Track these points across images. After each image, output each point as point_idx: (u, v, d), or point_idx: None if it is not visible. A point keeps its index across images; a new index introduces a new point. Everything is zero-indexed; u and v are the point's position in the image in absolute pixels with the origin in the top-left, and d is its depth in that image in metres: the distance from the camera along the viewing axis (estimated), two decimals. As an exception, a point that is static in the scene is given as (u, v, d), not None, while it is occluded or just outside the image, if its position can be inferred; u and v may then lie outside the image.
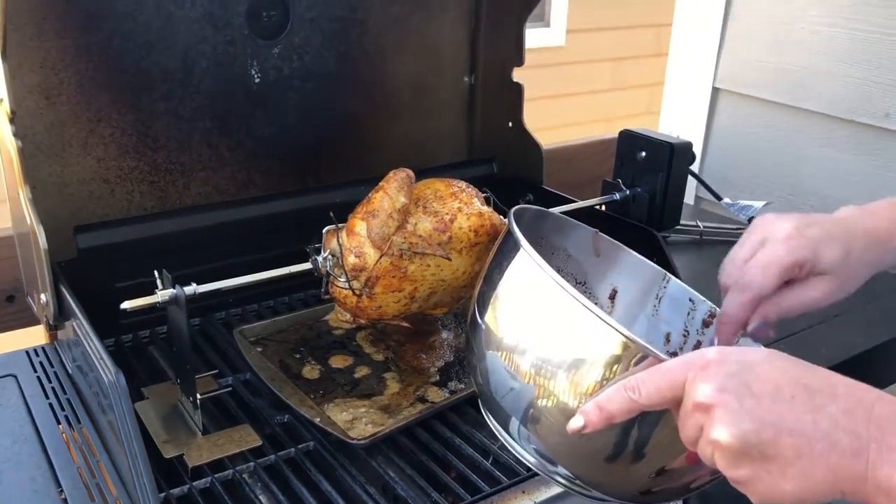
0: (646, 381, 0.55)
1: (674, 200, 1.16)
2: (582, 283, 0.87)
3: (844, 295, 0.72)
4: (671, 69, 1.83)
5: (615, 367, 0.58)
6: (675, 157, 1.13)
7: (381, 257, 0.88)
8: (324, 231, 0.92)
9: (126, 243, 1.06)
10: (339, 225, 0.92)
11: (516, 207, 0.78)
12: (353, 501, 0.79)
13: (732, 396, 0.50)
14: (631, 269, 0.88)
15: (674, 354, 0.77)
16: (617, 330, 0.58)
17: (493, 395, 0.68)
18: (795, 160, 1.62)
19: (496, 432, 0.71)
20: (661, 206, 1.15)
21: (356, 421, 0.89)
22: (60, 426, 0.87)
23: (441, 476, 0.83)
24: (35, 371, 0.97)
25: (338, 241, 0.90)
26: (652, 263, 0.87)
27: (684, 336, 0.84)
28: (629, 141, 1.18)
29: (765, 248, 0.73)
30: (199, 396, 0.86)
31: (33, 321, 1.22)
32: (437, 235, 0.91)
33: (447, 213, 0.92)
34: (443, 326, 1.08)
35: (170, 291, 0.83)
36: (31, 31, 0.99)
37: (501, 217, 0.94)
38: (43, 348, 1.01)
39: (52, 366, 0.98)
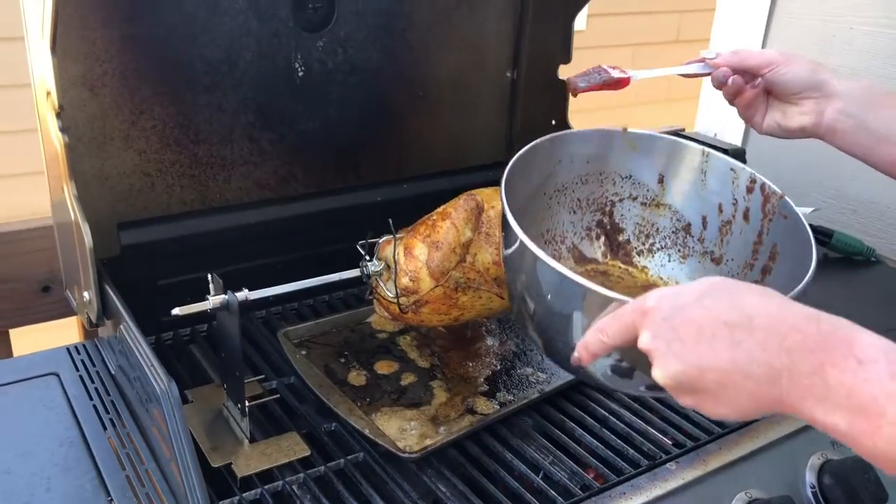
0: (609, 324, 0.63)
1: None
2: (628, 177, 0.94)
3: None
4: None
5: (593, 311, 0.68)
6: (728, 164, 1.10)
7: (435, 287, 0.87)
8: (380, 240, 0.90)
9: (168, 240, 1.05)
10: (398, 236, 0.89)
11: (517, 155, 0.84)
12: (405, 518, 0.78)
13: (663, 342, 0.58)
14: (671, 152, 0.93)
15: (728, 222, 0.90)
16: (580, 283, 0.68)
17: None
18: (837, 163, 1.59)
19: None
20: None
21: (405, 432, 0.88)
22: (107, 431, 0.85)
23: (493, 492, 0.81)
24: (77, 370, 0.95)
25: (394, 255, 0.88)
26: (688, 142, 0.92)
27: (734, 204, 0.90)
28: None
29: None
30: (247, 404, 0.85)
31: (68, 312, 1.21)
32: (495, 269, 0.92)
33: None
34: (487, 332, 1.07)
35: (221, 297, 0.82)
36: (76, 21, 0.97)
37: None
38: (84, 346, 1.00)
39: (93, 364, 0.96)
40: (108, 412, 0.89)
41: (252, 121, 1.14)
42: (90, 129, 1.02)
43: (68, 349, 0.99)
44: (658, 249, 0.97)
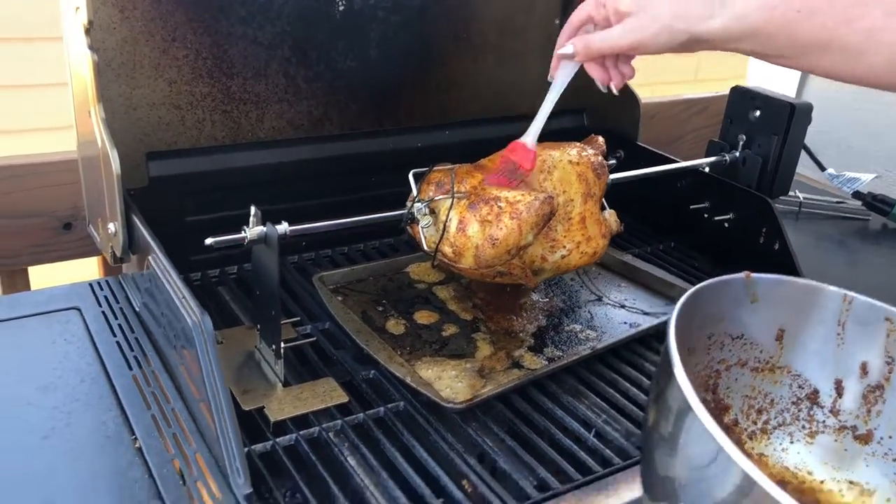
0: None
1: (788, 166, 1.06)
2: (739, 337, 0.71)
3: (645, 38, 0.74)
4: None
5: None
6: (795, 118, 1.03)
7: (474, 270, 0.83)
8: (436, 199, 0.84)
9: (198, 175, 0.99)
10: (457, 195, 0.83)
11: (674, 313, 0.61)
12: (451, 470, 0.72)
13: None
14: (798, 299, 0.71)
15: (878, 387, 0.69)
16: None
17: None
18: (892, 128, 1.51)
19: None
20: (773, 172, 1.06)
21: (448, 383, 0.82)
22: (131, 370, 0.79)
23: (544, 449, 0.75)
24: (100, 305, 0.90)
25: (446, 218, 0.82)
26: (825, 286, 0.71)
27: (888, 363, 0.69)
28: (741, 98, 1.08)
29: None
30: (282, 345, 0.79)
31: (89, 251, 1.15)
32: (540, 262, 0.88)
33: (564, 249, 0.89)
34: (531, 288, 1.00)
35: (259, 229, 0.76)
36: (108, -66, 0.91)
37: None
38: (107, 281, 0.94)
39: (117, 301, 0.91)
40: (132, 349, 0.83)
41: (288, 56, 1.07)
42: (119, 53, 0.96)
43: (91, 284, 0.94)
44: (774, 428, 0.73)
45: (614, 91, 0.83)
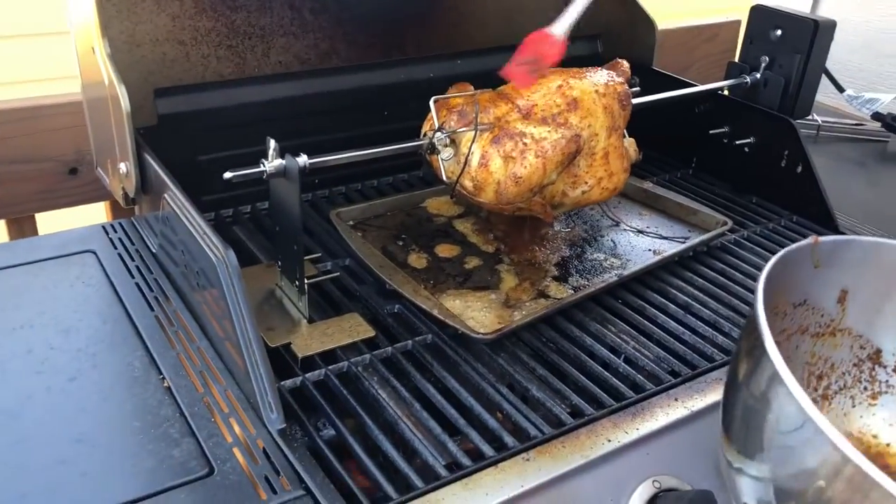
0: None
1: (810, 86, 1.04)
2: (801, 304, 0.67)
3: None
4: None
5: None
6: (818, 36, 1.00)
7: (495, 205, 0.81)
8: (459, 131, 0.81)
9: (207, 111, 0.96)
10: (480, 127, 0.81)
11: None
12: (483, 400, 0.71)
13: None
14: (862, 258, 0.66)
15: None
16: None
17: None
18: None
19: None
20: (795, 93, 1.03)
21: (475, 314, 0.81)
22: (153, 311, 0.78)
23: (575, 376, 0.75)
24: (115, 248, 0.88)
25: (469, 152, 0.80)
26: (888, 241, 0.66)
27: None
28: (762, 17, 1.05)
29: None
30: (306, 281, 0.77)
31: (97, 196, 1.13)
32: (560, 197, 0.86)
33: (585, 185, 0.86)
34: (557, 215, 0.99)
35: (279, 162, 0.73)
36: None
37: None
38: (120, 224, 0.92)
39: (132, 243, 0.89)
40: (151, 290, 0.82)
41: (293, -14, 1.04)
42: (120, -13, 0.93)
43: (104, 227, 0.92)
44: (836, 393, 0.70)
45: None
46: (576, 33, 1.29)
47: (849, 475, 0.46)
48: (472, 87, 0.92)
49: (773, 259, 0.60)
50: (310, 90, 1.04)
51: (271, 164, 0.73)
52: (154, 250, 0.87)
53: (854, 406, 0.70)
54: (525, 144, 0.79)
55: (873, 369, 0.69)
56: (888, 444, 0.68)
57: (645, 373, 0.76)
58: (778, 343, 0.62)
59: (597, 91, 0.87)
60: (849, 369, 0.69)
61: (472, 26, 1.20)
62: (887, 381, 0.69)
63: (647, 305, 0.86)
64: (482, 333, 0.76)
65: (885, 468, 0.62)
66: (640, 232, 0.98)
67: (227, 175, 0.73)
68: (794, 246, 0.63)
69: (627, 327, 0.82)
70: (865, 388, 0.70)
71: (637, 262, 0.91)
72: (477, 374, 0.74)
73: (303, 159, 0.74)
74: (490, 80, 0.92)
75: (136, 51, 0.96)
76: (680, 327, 0.82)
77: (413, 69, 1.10)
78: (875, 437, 0.69)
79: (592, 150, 0.85)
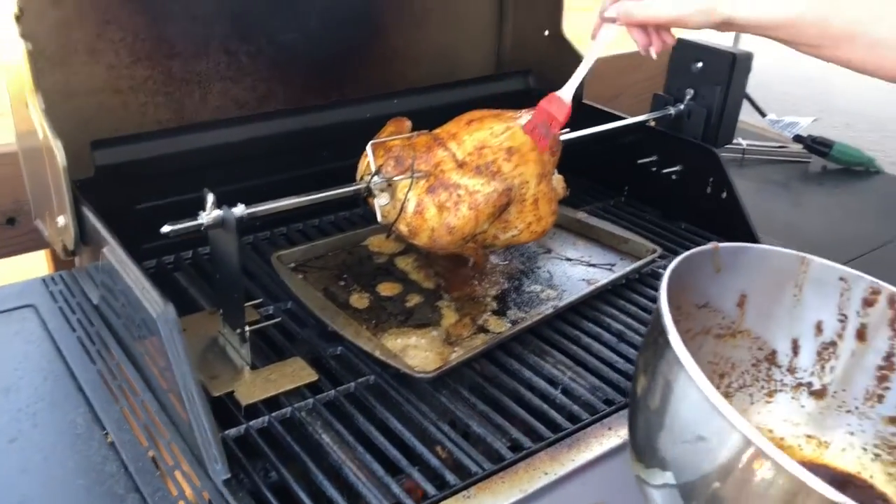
0: None
1: (731, 116, 1.08)
2: (703, 306, 0.72)
3: (686, 14, 0.77)
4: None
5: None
6: (736, 68, 1.05)
7: (428, 248, 0.85)
8: (395, 178, 0.84)
9: (146, 160, 0.96)
10: (417, 174, 0.84)
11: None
12: (425, 438, 0.73)
13: None
14: (759, 264, 0.72)
15: (832, 344, 0.72)
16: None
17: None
18: (826, 75, 1.55)
19: None
20: (717, 122, 1.08)
21: (416, 353, 0.83)
22: (95, 365, 0.78)
23: (514, 410, 0.77)
24: (55, 301, 0.88)
25: (405, 197, 0.83)
26: (784, 250, 0.73)
27: (841, 321, 0.71)
28: (684, 51, 1.10)
29: None
30: (247, 328, 0.79)
31: (35, 245, 1.12)
32: (491, 240, 0.90)
33: (515, 229, 0.90)
34: (490, 252, 1.01)
35: (216, 213, 0.75)
36: (31, -84, 0.87)
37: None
38: (61, 276, 0.92)
39: (73, 296, 0.89)
40: (93, 343, 0.82)
41: (228, 32, 1.05)
42: (53, 40, 0.94)
43: (44, 280, 0.92)
44: (736, 390, 0.75)
45: (653, 55, 0.84)
46: (508, 69, 1.34)
47: (753, 457, 0.49)
48: (409, 123, 0.94)
49: (677, 260, 0.65)
50: (249, 135, 1.05)
51: (208, 215, 0.75)
52: (96, 302, 0.88)
53: (752, 403, 0.75)
54: (459, 196, 0.82)
55: (770, 369, 0.75)
56: (782, 438, 0.74)
57: (581, 402, 0.79)
58: (682, 341, 0.68)
59: (529, 139, 0.89)
60: (748, 369, 0.75)
61: (408, 65, 1.23)
62: (782, 380, 0.75)
63: (582, 335, 0.89)
64: (422, 372, 0.78)
65: None
66: (576, 261, 1.02)
67: (165, 230, 0.74)
68: (696, 249, 0.68)
69: (564, 357, 0.85)
70: (763, 387, 0.75)
71: (572, 293, 0.94)
72: (419, 413, 0.76)
73: (240, 209, 0.76)
74: (427, 117, 0.95)
75: (72, 101, 0.97)
76: (614, 355, 0.86)
77: (351, 110, 1.13)
78: (771, 431, 0.74)
79: (523, 197, 0.88)
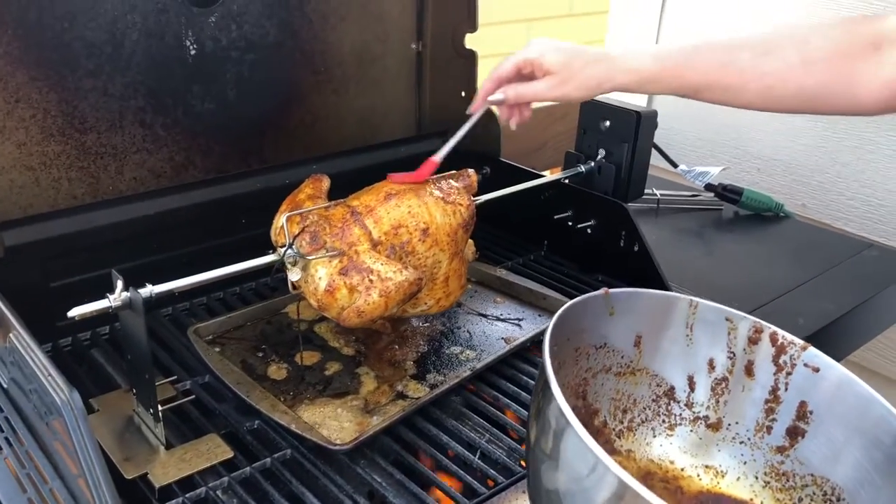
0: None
1: (640, 171, 1.12)
2: (602, 346, 0.76)
3: (567, 92, 0.88)
4: (611, 32, 1.80)
5: None
6: (641, 125, 1.09)
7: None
8: (309, 256, 0.86)
9: (58, 238, 0.96)
10: (330, 254, 0.85)
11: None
12: (342, 513, 0.73)
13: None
14: (651, 307, 0.78)
15: (724, 379, 0.77)
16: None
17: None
18: (738, 123, 1.62)
19: None
20: (627, 177, 1.12)
21: (334, 423, 0.83)
22: (2, 451, 0.77)
23: (431, 478, 0.78)
24: (-37, 387, 0.86)
25: (318, 272, 0.85)
26: (673, 294, 0.79)
27: (730, 358, 0.76)
28: (592, 110, 1.14)
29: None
30: (160, 408, 0.78)
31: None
32: (400, 314, 0.94)
33: (425, 305, 0.94)
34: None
35: (123, 295, 0.75)
36: (-67, 1, 0.87)
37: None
38: (-31, 360, 0.90)
39: (-18, 380, 0.87)
40: (2, 430, 0.80)
41: (143, 105, 1.06)
42: (-41, 121, 0.93)
43: (-49, 365, 0.89)
44: (639, 425, 0.79)
45: (512, 127, 0.97)
46: (428, 131, 1.36)
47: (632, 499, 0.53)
48: (327, 182, 0.96)
49: (564, 306, 0.70)
50: (165, 207, 1.05)
51: (117, 298, 0.75)
52: (6, 385, 0.86)
53: (655, 436, 0.80)
54: (371, 281, 0.83)
55: (669, 404, 0.80)
56: (682, 469, 0.78)
57: (498, 466, 0.80)
58: (584, 380, 0.76)
59: (444, 219, 0.91)
60: (649, 404, 0.80)
61: (330, 130, 1.25)
62: (681, 414, 0.79)
63: (500, 395, 0.90)
64: (338, 445, 0.78)
65: (678, 490, 0.76)
66: (494, 319, 1.04)
67: (72, 313, 0.73)
68: (586, 296, 0.73)
69: (482, 420, 0.86)
70: (664, 421, 0.80)
71: (490, 353, 0.95)
72: (335, 487, 0.76)
73: (147, 290, 0.76)
74: (347, 181, 0.97)
75: (-19, 180, 0.96)
76: (531, 415, 0.87)
77: (270, 176, 1.14)
78: (672, 462, 0.79)
79: (434, 276, 0.90)
